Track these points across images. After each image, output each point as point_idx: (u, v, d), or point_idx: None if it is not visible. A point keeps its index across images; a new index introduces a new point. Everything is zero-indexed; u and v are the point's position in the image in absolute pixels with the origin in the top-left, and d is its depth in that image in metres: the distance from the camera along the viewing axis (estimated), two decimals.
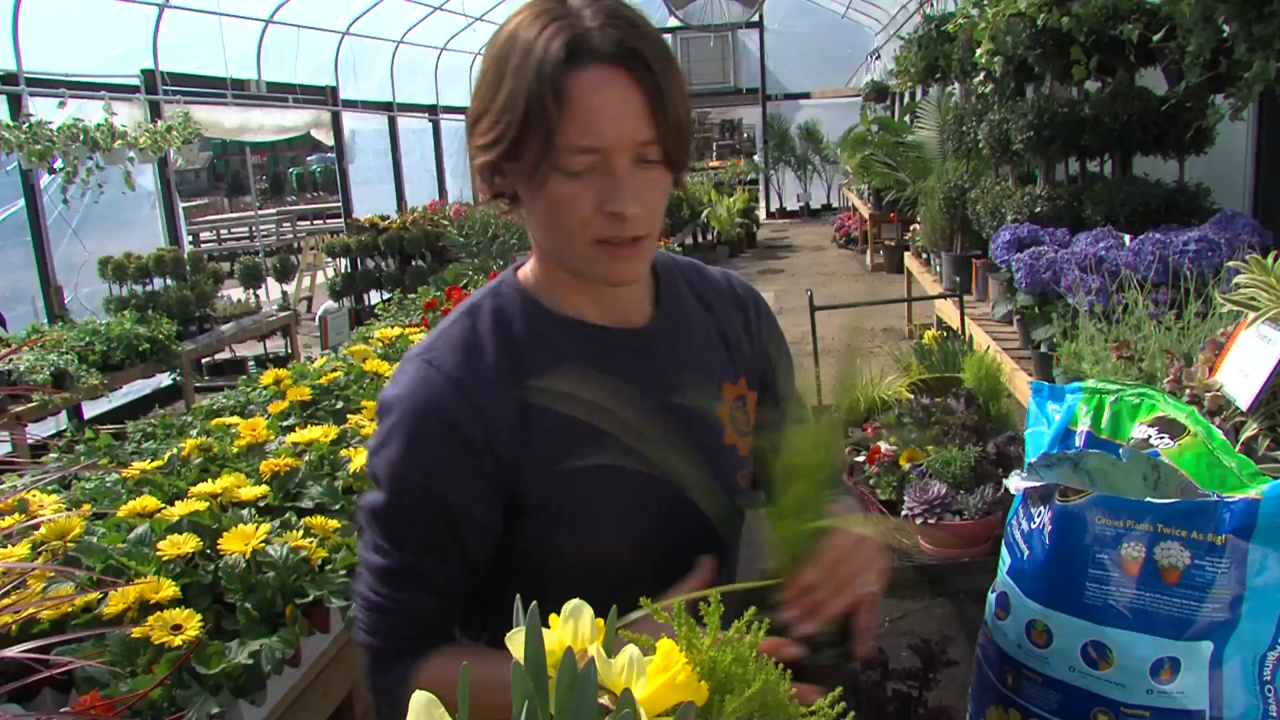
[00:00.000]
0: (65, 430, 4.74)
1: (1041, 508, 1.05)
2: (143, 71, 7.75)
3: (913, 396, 3.05)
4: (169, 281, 7.09)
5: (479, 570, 1.11)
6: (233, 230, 16.47)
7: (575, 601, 0.70)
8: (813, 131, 16.16)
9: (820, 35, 16.16)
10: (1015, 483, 1.13)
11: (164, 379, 7.29)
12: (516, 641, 0.66)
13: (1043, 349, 3.44)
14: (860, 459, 3.19)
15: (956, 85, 6.47)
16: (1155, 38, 3.02)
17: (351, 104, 10.80)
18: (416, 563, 1.06)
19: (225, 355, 8.12)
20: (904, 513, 2.59)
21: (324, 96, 10.35)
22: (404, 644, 1.08)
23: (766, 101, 16.61)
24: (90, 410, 6.90)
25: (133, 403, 7.44)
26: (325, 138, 10.62)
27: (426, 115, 12.91)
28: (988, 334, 4.11)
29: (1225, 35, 3.06)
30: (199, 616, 1.62)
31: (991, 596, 1.13)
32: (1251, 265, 2.41)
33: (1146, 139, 3.90)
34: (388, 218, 9.82)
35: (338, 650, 2.03)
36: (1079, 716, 1.01)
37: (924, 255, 6.27)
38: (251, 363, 8.01)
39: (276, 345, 8.40)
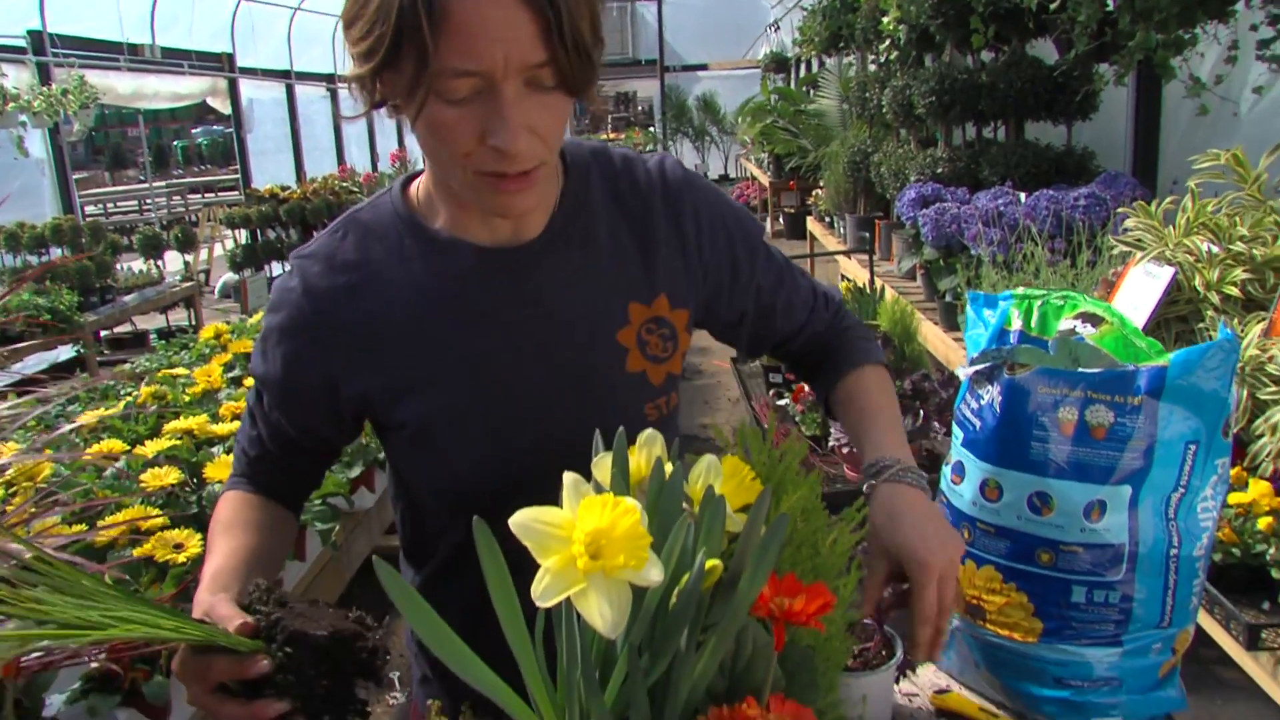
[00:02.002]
0: None
1: (989, 386, 1.24)
2: (29, 32, 7.46)
3: None
4: (66, 252, 6.90)
5: (312, 446, 1.16)
6: (119, 204, 15.90)
7: (650, 431, 0.84)
8: (710, 103, 16.42)
9: (717, 8, 16.41)
10: (963, 371, 1.32)
11: (64, 353, 7.11)
12: (603, 465, 0.81)
13: (948, 298, 3.70)
14: (784, 402, 3.39)
15: (856, 55, 6.74)
16: (1052, 7, 3.27)
17: (249, 72, 10.59)
18: (256, 415, 1.15)
19: (126, 329, 7.94)
20: (831, 444, 2.81)
21: (220, 64, 10.13)
22: (237, 467, 1.19)
23: (665, 73, 16.79)
24: None
25: (29, 378, 7.22)
26: (222, 106, 10.39)
27: (325, 84, 12.71)
28: (893, 289, 4.36)
29: (1110, 9, 3.34)
30: (200, 535, 1.70)
31: (946, 469, 1.31)
32: (1138, 211, 2.68)
33: (1038, 105, 4.19)
34: (288, 188, 9.68)
35: (316, 574, 2.13)
36: (1025, 558, 1.20)
37: (827, 219, 6.53)
38: (154, 335, 7.84)
39: (179, 317, 8.24)
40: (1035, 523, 1.19)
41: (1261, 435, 2.04)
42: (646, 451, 0.83)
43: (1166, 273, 2.38)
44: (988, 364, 1.24)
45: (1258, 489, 1.88)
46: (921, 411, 2.74)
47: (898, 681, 1.37)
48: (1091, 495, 1.16)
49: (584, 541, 0.62)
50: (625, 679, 0.74)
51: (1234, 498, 1.90)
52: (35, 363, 7.28)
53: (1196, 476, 1.17)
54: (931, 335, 3.70)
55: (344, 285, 1.06)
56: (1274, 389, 2.07)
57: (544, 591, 0.62)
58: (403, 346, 1.06)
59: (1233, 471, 2.00)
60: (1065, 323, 1.33)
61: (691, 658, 0.73)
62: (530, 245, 1.07)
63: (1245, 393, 2.12)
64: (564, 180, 1.10)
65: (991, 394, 1.23)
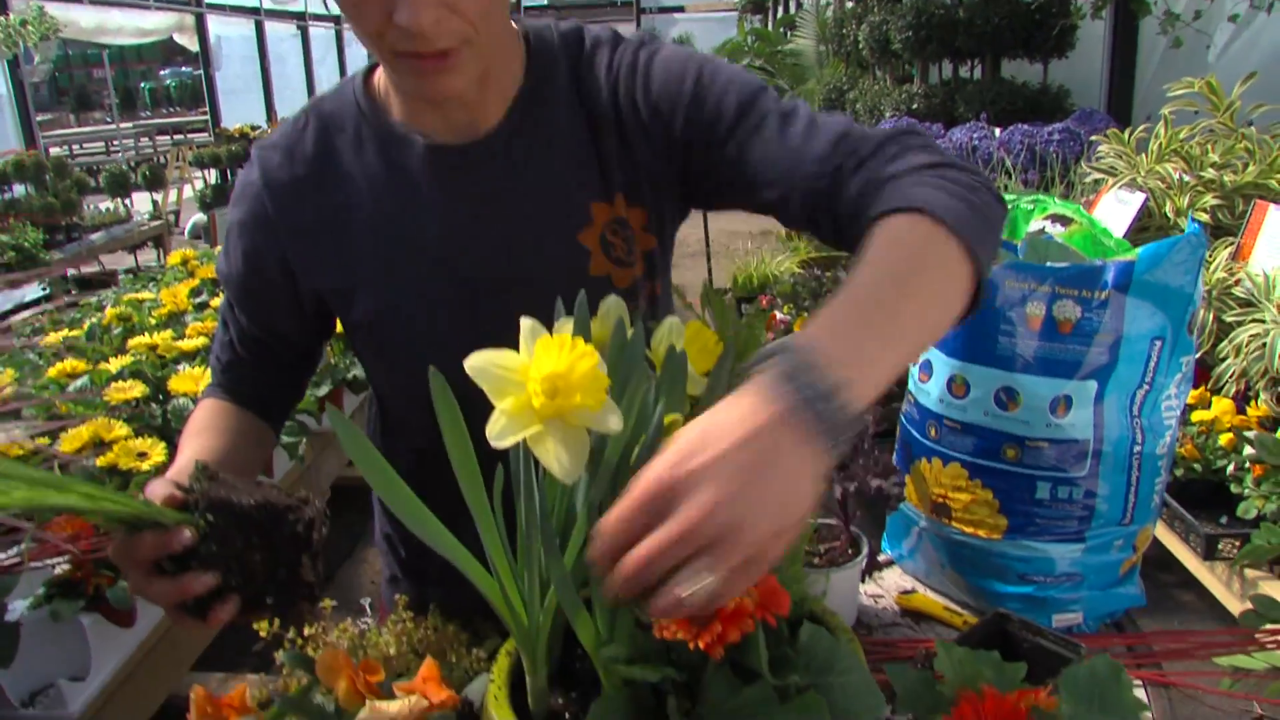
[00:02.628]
0: None
1: None
2: None
3: (803, 270, 3.27)
4: (30, 189, 6.77)
5: (280, 348, 1.13)
6: (85, 146, 15.56)
7: (612, 298, 0.83)
8: (687, 45, 16.25)
9: None
10: None
11: (30, 292, 6.99)
12: (563, 329, 0.80)
13: None
14: None
15: None
16: None
17: (217, 7, 10.34)
18: (227, 320, 1.13)
19: (94, 268, 7.81)
20: None
21: None
22: (212, 377, 1.16)
23: (640, 15, 16.58)
24: None
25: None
26: (189, 43, 10.16)
27: (295, 22, 12.45)
28: None
29: None
30: (164, 444, 1.68)
31: (914, 368, 1.31)
32: (1111, 138, 2.68)
33: (1015, 41, 4.17)
34: (259, 128, 9.51)
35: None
36: (992, 454, 1.21)
37: None
38: (122, 275, 7.72)
39: (148, 258, 8.11)
40: (1002, 418, 1.19)
41: (1226, 358, 2.06)
42: (608, 318, 0.81)
43: (1138, 199, 2.38)
44: None
45: (1220, 406, 1.91)
46: None
47: (863, 581, 1.38)
48: (1057, 390, 1.16)
49: (540, 382, 0.61)
50: (585, 541, 0.74)
51: (1197, 415, 1.93)
52: (1, 302, 7.17)
53: (1161, 373, 1.18)
54: None
55: (303, 177, 1.03)
56: (1239, 311, 2.09)
57: (500, 432, 0.61)
58: (356, 243, 1.03)
59: (1197, 393, 2.02)
60: (1035, 224, 1.32)
61: None
62: (487, 139, 1.01)
63: (1211, 316, 2.14)
64: (526, 68, 1.03)
65: None
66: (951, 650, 0.88)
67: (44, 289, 6.75)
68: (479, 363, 0.62)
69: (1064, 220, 1.30)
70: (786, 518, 0.58)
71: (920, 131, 0.93)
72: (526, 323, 0.65)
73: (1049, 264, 1.18)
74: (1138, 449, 1.19)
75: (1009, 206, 1.39)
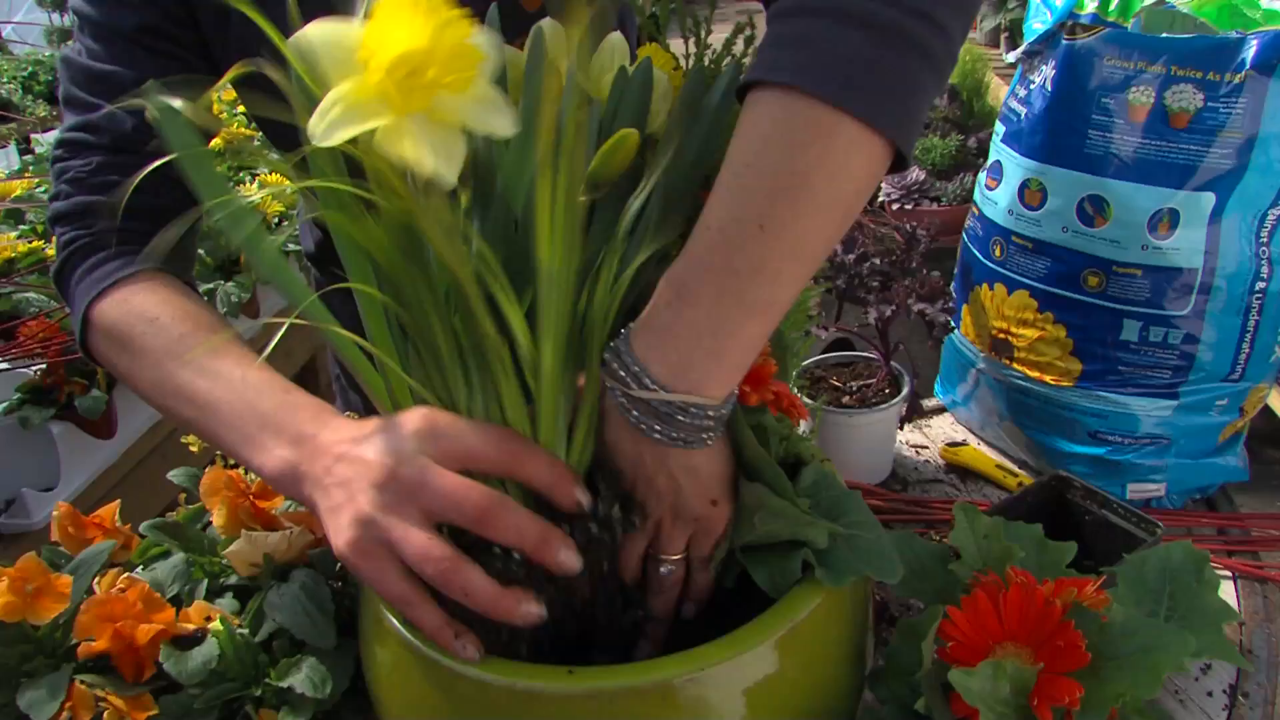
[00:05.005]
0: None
1: (1043, 66, 0.97)
2: None
3: None
4: None
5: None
6: None
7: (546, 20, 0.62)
8: None
9: None
10: (1014, 55, 1.05)
11: None
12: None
13: None
14: None
15: None
16: None
17: None
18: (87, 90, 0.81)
19: None
20: (880, 199, 2.54)
21: None
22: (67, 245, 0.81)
23: None
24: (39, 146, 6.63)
25: None
26: None
27: None
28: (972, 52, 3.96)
29: None
30: None
31: (981, 175, 1.07)
32: None
33: None
34: None
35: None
36: (1069, 281, 0.97)
37: None
38: None
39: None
40: (1085, 236, 0.95)
41: None
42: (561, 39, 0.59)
43: None
44: (1045, 29, 0.97)
45: None
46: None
47: (902, 428, 1.18)
48: (1161, 203, 0.91)
49: (390, 57, 0.41)
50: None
51: None
52: None
53: None
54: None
55: None
56: None
57: (330, 125, 0.41)
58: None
59: None
60: None
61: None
62: None
63: None
64: None
65: (1044, 72, 0.97)
66: (974, 518, 0.68)
67: None
68: (310, 41, 0.42)
69: None
70: (702, 494, 0.59)
71: None
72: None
73: (1165, 35, 0.91)
74: (1260, 286, 0.94)
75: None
